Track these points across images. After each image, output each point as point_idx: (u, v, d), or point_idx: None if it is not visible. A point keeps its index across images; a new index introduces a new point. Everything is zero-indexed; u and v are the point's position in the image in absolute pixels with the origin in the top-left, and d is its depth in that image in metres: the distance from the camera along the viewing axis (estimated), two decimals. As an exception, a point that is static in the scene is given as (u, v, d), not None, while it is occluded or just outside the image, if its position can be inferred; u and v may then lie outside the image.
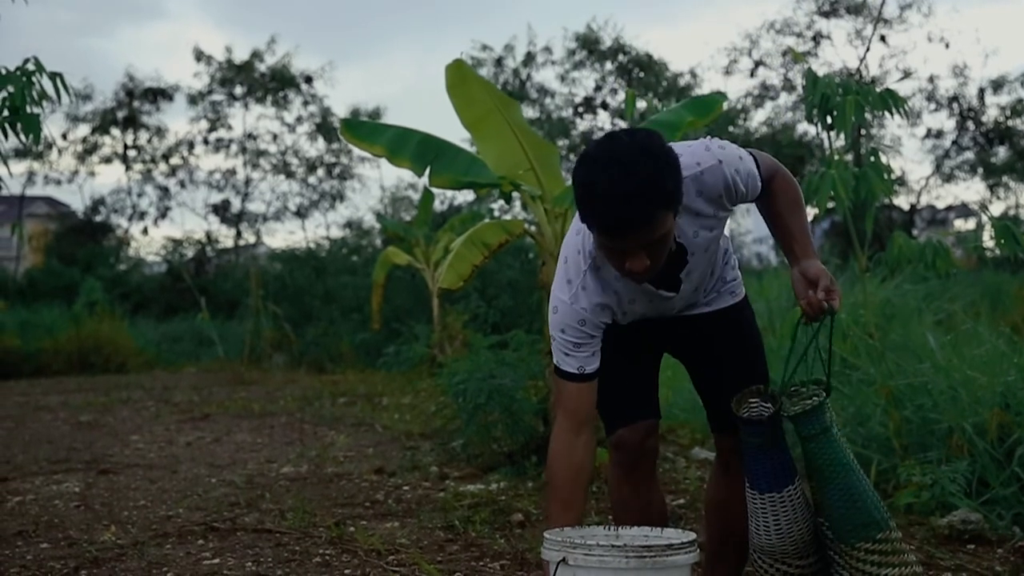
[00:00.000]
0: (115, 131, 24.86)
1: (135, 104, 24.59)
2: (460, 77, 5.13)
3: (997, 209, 23.27)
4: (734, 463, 2.69)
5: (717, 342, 2.66)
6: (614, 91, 23.72)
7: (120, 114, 24.59)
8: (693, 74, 23.65)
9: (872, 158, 4.61)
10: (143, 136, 25.08)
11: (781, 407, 2.52)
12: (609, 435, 2.65)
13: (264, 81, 24.54)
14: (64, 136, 24.59)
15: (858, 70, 20.63)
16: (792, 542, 2.51)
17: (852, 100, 4.41)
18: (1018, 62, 38.05)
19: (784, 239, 2.54)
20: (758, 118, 23.24)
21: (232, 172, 25.52)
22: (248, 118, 25.53)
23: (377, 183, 36.18)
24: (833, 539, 2.49)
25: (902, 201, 23.30)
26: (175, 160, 25.28)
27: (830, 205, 4.60)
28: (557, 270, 2.47)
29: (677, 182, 2.20)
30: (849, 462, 2.46)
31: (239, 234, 25.60)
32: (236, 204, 25.64)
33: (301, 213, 26.03)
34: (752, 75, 23.47)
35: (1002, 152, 23.06)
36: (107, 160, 25.22)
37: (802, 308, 2.44)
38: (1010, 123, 22.39)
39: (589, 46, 23.47)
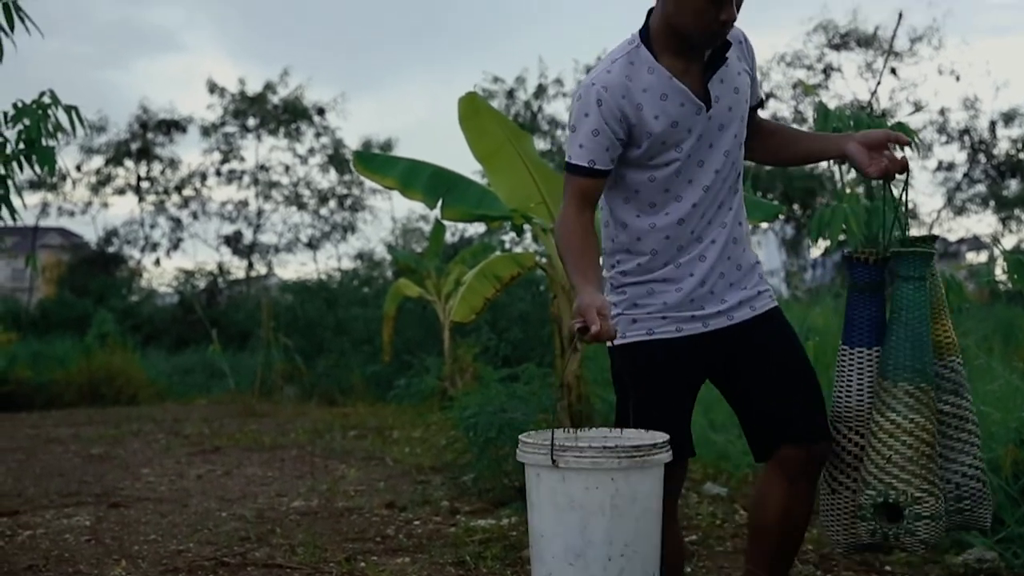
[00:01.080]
0: (129, 163, 24.99)
1: (149, 136, 24.74)
2: (473, 109, 5.18)
3: (1009, 242, 23.19)
4: (805, 475, 2.62)
5: (772, 347, 2.64)
6: (625, 123, 23.78)
7: (134, 146, 24.72)
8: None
9: (884, 192, 4.61)
10: (156, 168, 25.22)
11: (890, 250, 2.60)
12: None
13: (277, 113, 24.69)
14: (78, 168, 24.75)
15: (869, 103, 20.64)
16: (858, 410, 2.58)
17: (864, 134, 4.42)
18: (1029, 95, 38.09)
19: (811, 138, 2.80)
20: (769, 150, 23.22)
21: (244, 203, 25.62)
22: (260, 150, 25.67)
23: (388, 215, 36.22)
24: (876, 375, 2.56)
25: (914, 234, 23.21)
26: (188, 191, 25.40)
27: (841, 238, 4.59)
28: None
29: None
30: (927, 316, 2.55)
31: (251, 265, 25.67)
32: (248, 235, 25.73)
33: (313, 244, 26.09)
34: (763, 107, 23.51)
35: (1014, 185, 23.03)
36: (120, 191, 25.34)
37: (881, 170, 2.55)
38: (1022, 156, 22.37)
39: (600, 78, 23.56)
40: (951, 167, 22.94)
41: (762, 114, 2.87)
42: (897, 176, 2.59)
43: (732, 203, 2.63)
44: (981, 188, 23.04)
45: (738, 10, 2.41)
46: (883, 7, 36.97)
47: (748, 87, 2.65)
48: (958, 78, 22.17)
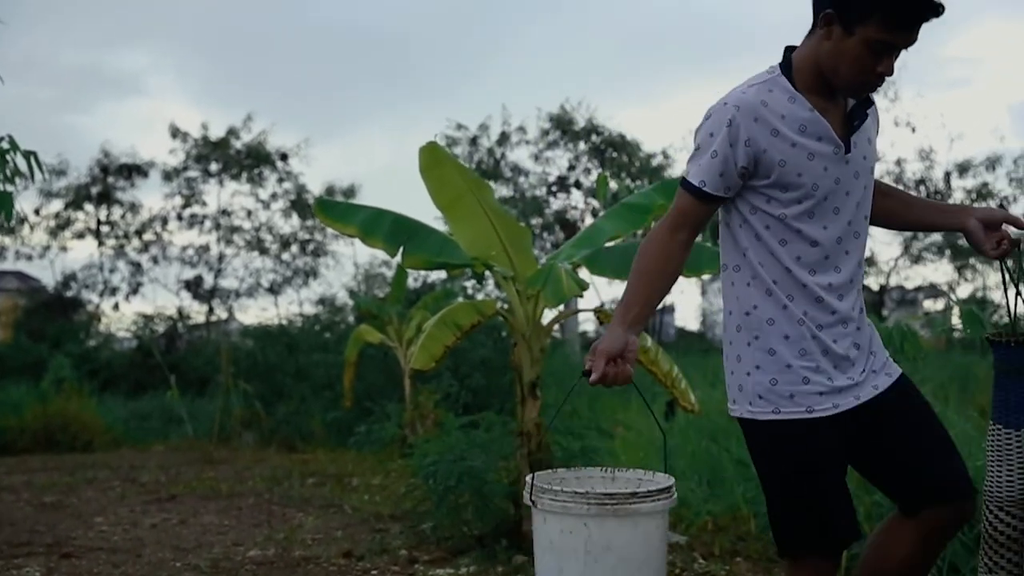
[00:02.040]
0: (89, 207, 24.80)
1: (110, 180, 24.58)
2: (434, 159, 5.19)
3: (964, 291, 23.54)
4: (945, 534, 2.54)
5: (911, 411, 2.56)
6: (587, 171, 23.96)
7: (94, 190, 24.55)
8: (665, 154, 23.95)
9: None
10: (117, 212, 25.04)
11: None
12: (818, 553, 2.45)
13: (239, 158, 24.63)
14: (37, 211, 24.51)
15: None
16: (1018, 492, 2.46)
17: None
18: (983, 146, 38.87)
19: (928, 206, 2.75)
20: (729, 198, 23.41)
21: (205, 248, 25.46)
22: (223, 194, 25.47)
23: (351, 260, 36.08)
24: None
25: (872, 282, 23.56)
26: (148, 236, 25.22)
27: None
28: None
29: None
30: None
31: (211, 310, 25.47)
32: (209, 280, 25.56)
33: (274, 290, 25.95)
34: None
35: (969, 234, 23.38)
36: (80, 235, 25.12)
37: (1000, 253, 2.53)
38: (976, 206, 22.77)
39: (563, 126, 23.75)
40: (908, 216, 23.27)
41: None
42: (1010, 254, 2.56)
43: (862, 266, 2.58)
44: (937, 237, 23.38)
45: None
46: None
47: (875, 145, 2.61)
48: (914, 130, 22.59)
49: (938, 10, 2.30)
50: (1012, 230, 2.57)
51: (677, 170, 23.66)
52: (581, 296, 5.21)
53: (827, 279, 2.46)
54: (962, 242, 23.13)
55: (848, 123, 2.47)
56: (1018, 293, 2.55)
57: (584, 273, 5.60)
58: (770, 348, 2.44)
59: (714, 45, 37.71)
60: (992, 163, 22.99)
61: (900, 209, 2.71)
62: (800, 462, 2.44)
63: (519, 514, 5.27)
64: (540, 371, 5.49)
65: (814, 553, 2.44)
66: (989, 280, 23.57)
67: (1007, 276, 2.56)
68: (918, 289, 24.78)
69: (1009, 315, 2.56)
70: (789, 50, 2.49)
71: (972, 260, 23.42)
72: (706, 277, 6.05)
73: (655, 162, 23.48)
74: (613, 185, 6.12)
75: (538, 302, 5.38)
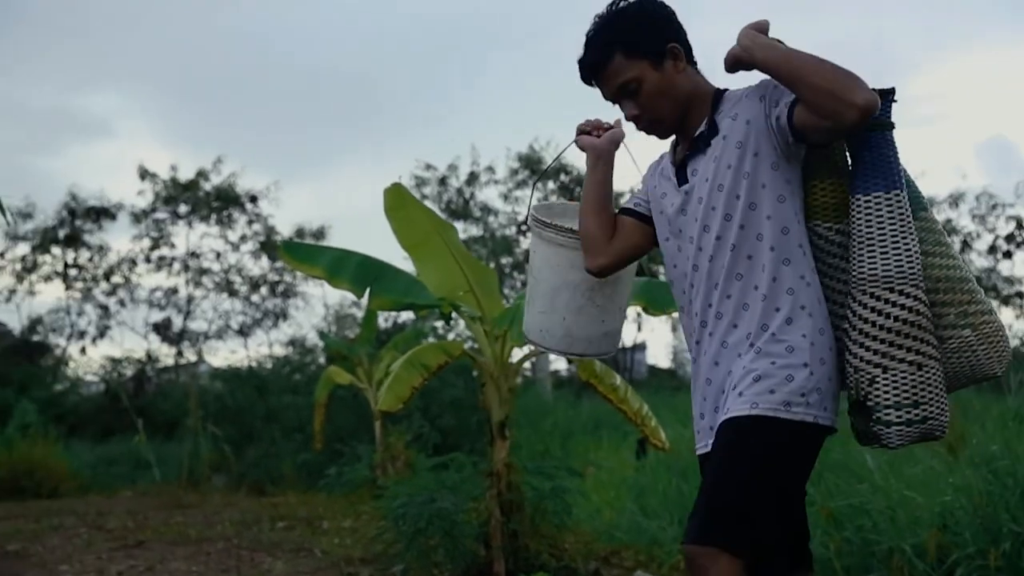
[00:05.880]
0: (56, 249, 24.63)
1: (77, 223, 24.44)
2: (399, 200, 5.19)
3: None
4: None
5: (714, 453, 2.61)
6: (557, 209, 24.04)
7: (62, 232, 24.39)
8: (633, 192, 24.06)
9: None
10: (84, 255, 24.88)
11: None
12: (751, 544, 2.30)
13: (209, 200, 24.57)
14: (2, 255, 24.31)
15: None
16: (913, 262, 2.33)
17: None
18: (946, 184, 39.41)
19: None
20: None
21: (174, 290, 25.32)
22: (192, 236, 25.37)
23: (321, 301, 35.95)
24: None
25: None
26: (116, 278, 25.05)
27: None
28: None
29: (642, 29, 2.45)
30: None
31: (180, 353, 25.28)
32: (177, 322, 25.40)
33: (243, 331, 25.81)
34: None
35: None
36: (47, 279, 24.92)
37: None
38: None
39: (531, 166, 23.89)
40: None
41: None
42: None
43: (731, 294, 2.43)
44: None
45: (645, 111, 2.56)
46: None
47: (747, 143, 2.42)
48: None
49: (591, 69, 2.53)
50: None
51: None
52: (549, 336, 5.20)
53: (691, 301, 2.57)
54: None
55: (687, 153, 2.59)
56: None
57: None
58: None
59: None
60: (955, 200, 23.32)
61: None
62: (794, 465, 2.40)
63: (490, 555, 5.24)
64: (509, 411, 5.48)
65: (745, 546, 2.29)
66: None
67: None
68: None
69: None
70: None
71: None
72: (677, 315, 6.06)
73: (622, 201, 23.57)
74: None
75: (505, 342, 5.38)
